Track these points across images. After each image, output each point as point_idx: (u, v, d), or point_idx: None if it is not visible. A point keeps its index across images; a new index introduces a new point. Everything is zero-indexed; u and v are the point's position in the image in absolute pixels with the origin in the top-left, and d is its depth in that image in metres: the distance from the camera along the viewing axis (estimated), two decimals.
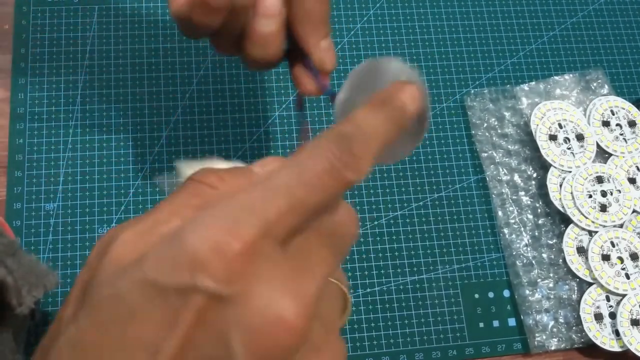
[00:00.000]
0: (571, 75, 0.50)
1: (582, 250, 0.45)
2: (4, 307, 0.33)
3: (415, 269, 0.44)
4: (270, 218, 0.19)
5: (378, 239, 0.45)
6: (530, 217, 0.46)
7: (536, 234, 0.46)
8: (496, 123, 0.48)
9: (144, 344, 0.18)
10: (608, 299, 0.44)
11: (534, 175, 0.47)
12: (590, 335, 0.43)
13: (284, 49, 0.34)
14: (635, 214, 0.46)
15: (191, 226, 0.19)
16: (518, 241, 0.45)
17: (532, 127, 0.47)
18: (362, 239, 0.45)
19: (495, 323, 0.44)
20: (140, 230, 0.20)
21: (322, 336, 0.21)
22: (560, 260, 0.45)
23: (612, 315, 0.43)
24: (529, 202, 0.46)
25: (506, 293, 0.45)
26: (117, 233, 0.20)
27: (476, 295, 0.44)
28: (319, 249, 0.21)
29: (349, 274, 0.43)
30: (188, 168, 0.33)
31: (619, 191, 0.46)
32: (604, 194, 0.46)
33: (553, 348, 0.43)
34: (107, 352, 0.18)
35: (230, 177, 0.22)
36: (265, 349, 0.18)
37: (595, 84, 0.50)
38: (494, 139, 0.48)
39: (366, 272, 0.44)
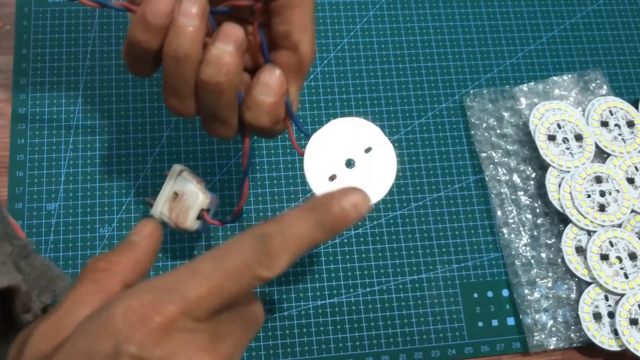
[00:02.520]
0: (570, 75, 0.50)
1: (580, 250, 0.45)
2: (14, 313, 0.33)
3: (414, 268, 0.44)
4: (190, 298, 0.22)
5: (377, 238, 0.45)
6: (529, 216, 0.46)
7: (535, 233, 0.46)
8: (495, 123, 0.48)
9: None
10: (607, 299, 0.44)
11: (533, 175, 0.47)
12: (589, 334, 0.43)
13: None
14: (633, 213, 0.46)
15: (117, 301, 0.22)
16: (517, 241, 0.45)
17: (531, 127, 0.47)
18: (362, 239, 0.45)
19: (494, 322, 0.44)
20: (51, 323, 0.23)
21: None
22: (559, 260, 0.45)
23: (611, 315, 0.44)
24: (527, 202, 0.47)
25: (505, 292, 0.45)
26: (32, 330, 0.23)
27: (475, 295, 0.44)
28: (233, 324, 0.24)
29: (349, 273, 0.44)
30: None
31: (618, 191, 0.46)
32: (602, 193, 0.46)
33: (552, 347, 0.43)
34: None
35: (117, 256, 0.26)
36: None
37: (593, 85, 0.50)
38: (493, 139, 0.48)
39: (366, 272, 0.44)
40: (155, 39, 0.29)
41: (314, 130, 0.33)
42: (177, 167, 0.39)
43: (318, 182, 0.33)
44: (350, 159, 0.33)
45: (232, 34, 0.29)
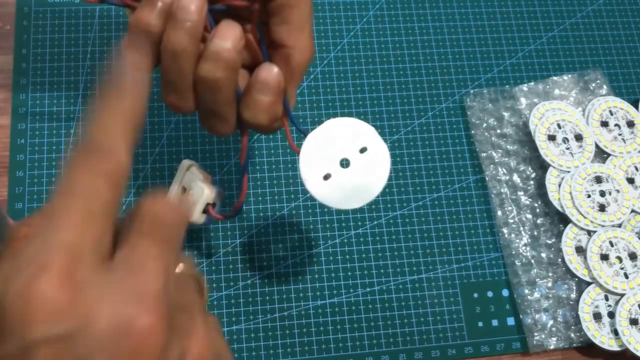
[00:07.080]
0: (570, 75, 0.50)
1: (580, 250, 0.45)
2: None
3: (414, 268, 0.44)
4: (67, 255, 0.18)
5: (377, 238, 0.45)
6: (529, 216, 0.46)
7: (535, 233, 0.46)
8: (495, 123, 0.48)
9: None
10: (607, 299, 0.44)
11: (533, 175, 0.47)
12: (589, 334, 0.43)
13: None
14: (633, 213, 0.46)
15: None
16: (517, 241, 0.45)
17: (531, 127, 0.47)
18: (362, 239, 0.45)
19: (494, 322, 0.44)
20: None
21: (188, 321, 0.21)
22: (559, 260, 0.45)
23: (611, 315, 0.43)
24: (527, 202, 0.47)
25: (505, 292, 0.45)
26: None
27: (475, 295, 0.44)
28: (145, 248, 0.20)
29: (349, 273, 0.44)
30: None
31: (618, 191, 0.46)
32: (602, 193, 0.46)
33: (552, 347, 0.43)
34: None
35: (40, 218, 0.21)
36: (133, 357, 0.18)
37: (593, 85, 0.50)
38: (493, 139, 0.48)
39: (366, 272, 0.44)
40: (158, 22, 0.30)
41: (311, 130, 0.34)
42: (185, 163, 0.40)
43: (312, 181, 0.33)
44: (345, 158, 0.33)
45: (230, 31, 0.30)
